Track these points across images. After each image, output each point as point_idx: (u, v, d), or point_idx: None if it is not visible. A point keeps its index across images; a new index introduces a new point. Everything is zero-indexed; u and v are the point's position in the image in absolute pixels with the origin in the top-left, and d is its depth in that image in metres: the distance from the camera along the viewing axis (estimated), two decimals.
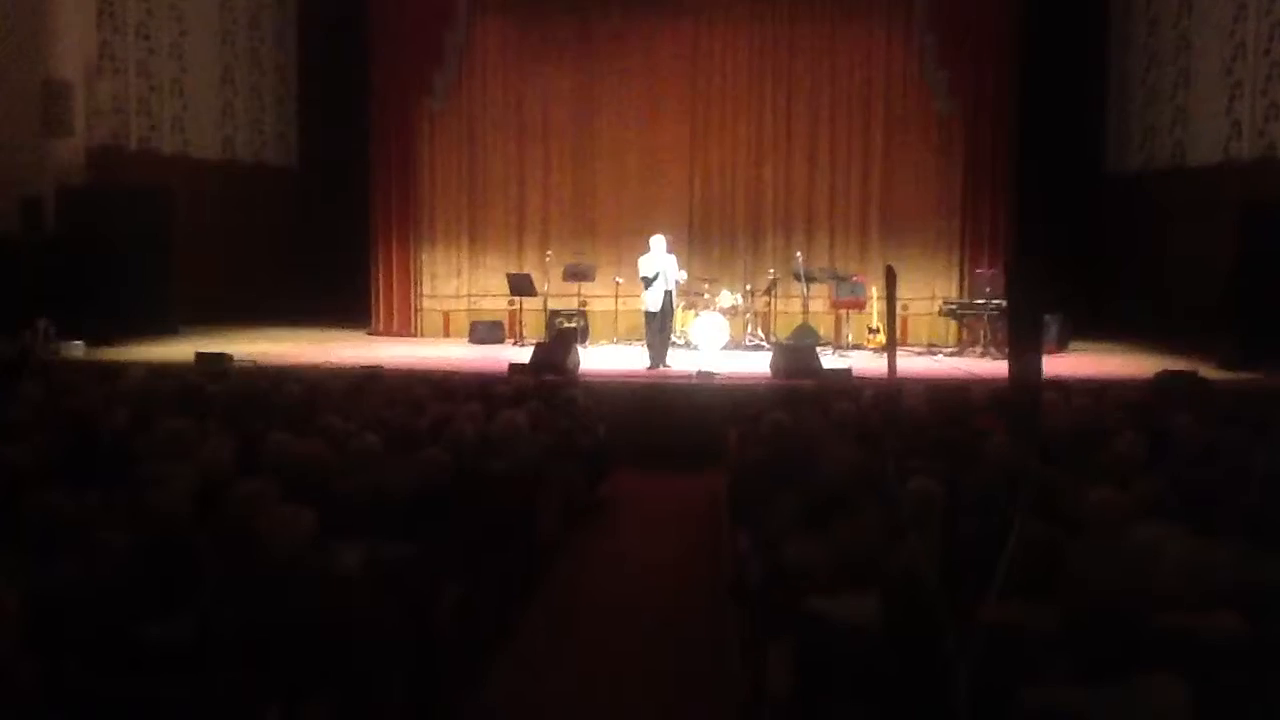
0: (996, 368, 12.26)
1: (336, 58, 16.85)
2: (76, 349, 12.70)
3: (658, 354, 12.82)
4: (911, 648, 3.48)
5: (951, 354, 14.40)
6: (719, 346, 14.04)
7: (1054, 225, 15.21)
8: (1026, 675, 3.13)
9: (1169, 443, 6.17)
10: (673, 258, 12.91)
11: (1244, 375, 11.41)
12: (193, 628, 3.40)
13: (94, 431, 6.32)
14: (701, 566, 7.63)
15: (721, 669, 5.75)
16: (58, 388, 8.38)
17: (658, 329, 12.82)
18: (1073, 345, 14.32)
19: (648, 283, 12.70)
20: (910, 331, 15.20)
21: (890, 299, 11.52)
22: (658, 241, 12.91)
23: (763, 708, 4.46)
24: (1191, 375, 10.10)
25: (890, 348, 11.44)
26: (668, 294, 12.75)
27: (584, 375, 11.98)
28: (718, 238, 15.94)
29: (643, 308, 12.99)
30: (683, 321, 14.58)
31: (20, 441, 5.60)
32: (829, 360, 12.96)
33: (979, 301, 14.27)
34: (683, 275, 13.22)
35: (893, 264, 12.56)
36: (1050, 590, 3.53)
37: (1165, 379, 9.95)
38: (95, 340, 13.00)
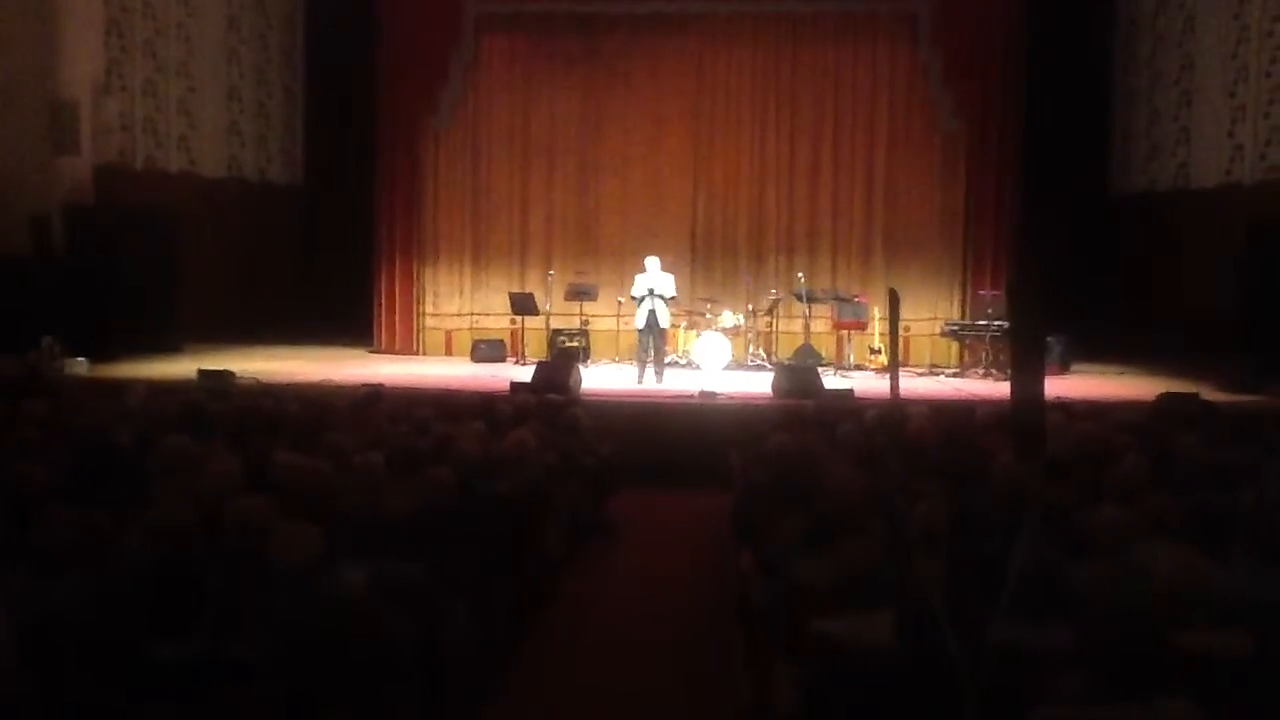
0: (999, 389, 12.25)
1: (342, 76, 16.93)
2: (81, 366, 12.70)
3: (659, 371, 13.16)
4: (921, 669, 3.47)
5: (953, 375, 14.40)
6: (721, 366, 14.05)
7: (1057, 246, 15.23)
8: (1036, 696, 3.12)
9: (1173, 463, 6.16)
10: (669, 277, 13.32)
11: (1248, 397, 11.40)
12: (201, 645, 3.40)
13: (101, 449, 6.32)
14: (706, 585, 7.63)
15: (726, 688, 5.74)
16: (63, 405, 8.39)
17: (646, 346, 13.17)
18: (1075, 367, 14.31)
19: (638, 301, 13.15)
20: (912, 352, 15.18)
21: (893, 321, 11.52)
22: (652, 262, 13.35)
23: None
24: (1194, 397, 10.09)
25: (893, 370, 11.43)
26: (651, 312, 13.07)
27: (586, 395, 11.98)
28: (720, 257, 15.98)
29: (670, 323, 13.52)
30: (685, 341, 14.66)
31: (29, 458, 5.60)
32: (831, 381, 12.96)
33: (981, 323, 14.28)
34: (670, 290, 13.35)
35: (895, 284, 12.59)
36: (1058, 610, 3.53)
37: (1168, 401, 9.94)
38: (100, 358, 13.01)
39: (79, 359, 12.74)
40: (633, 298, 13.30)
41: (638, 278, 13.32)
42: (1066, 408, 8.92)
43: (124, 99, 14.81)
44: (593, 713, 5.63)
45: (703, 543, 8.72)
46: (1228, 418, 8.68)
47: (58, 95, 13.76)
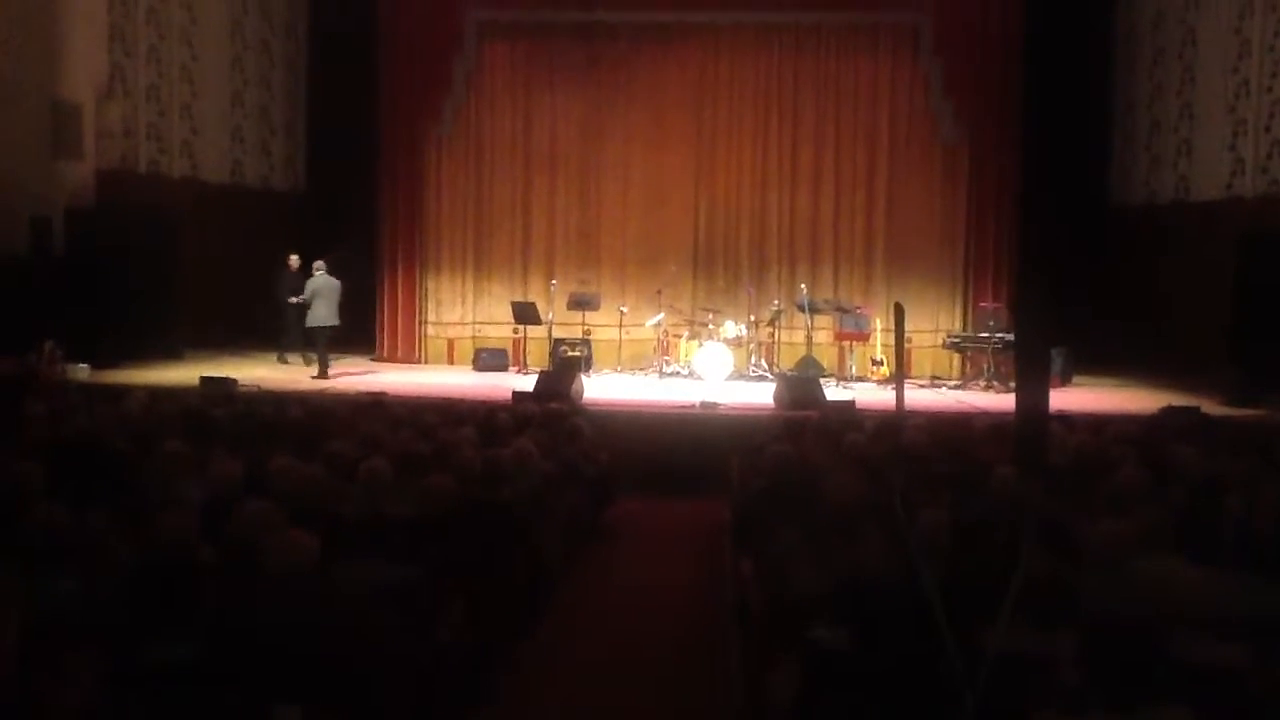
0: (1000, 401, 12.27)
1: (345, 83, 16.94)
2: (82, 371, 12.71)
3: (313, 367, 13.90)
4: (917, 677, 3.48)
5: (955, 387, 14.40)
6: (723, 377, 14.05)
7: (1057, 258, 15.20)
8: (1034, 704, 3.12)
9: (1171, 475, 6.16)
10: (318, 280, 14.05)
11: (1247, 411, 11.40)
12: (197, 645, 3.40)
13: (99, 452, 6.33)
14: (704, 592, 7.62)
15: (721, 692, 5.73)
16: (62, 409, 8.40)
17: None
18: (1076, 379, 14.31)
19: (308, 304, 13.91)
20: (914, 364, 15.18)
21: (899, 334, 11.54)
22: (320, 265, 14.12)
23: None
24: (1195, 411, 10.09)
25: (899, 383, 11.46)
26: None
27: (588, 404, 11.99)
28: (722, 268, 16.00)
29: (324, 323, 13.89)
30: (686, 351, 14.67)
31: (25, 460, 5.60)
32: (832, 392, 12.97)
33: (982, 335, 14.28)
34: (304, 292, 14.09)
35: (896, 296, 12.63)
36: (1057, 620, 3.53)
37: (1168, 415, 9.94)
38: (101, 363, 13.02)
39: (81, 365, 12.75)
40: (304, 301, 13.95)
41: (315, 281, 13.99)
42: (1065, 419, 8.90)
43: (127, 104, 14.84)
44: (587, 712, 5.62)
45: (701, 549, 8.71)
46: (1225, 430, 8.68)
47: (60, 99, 13.79)
